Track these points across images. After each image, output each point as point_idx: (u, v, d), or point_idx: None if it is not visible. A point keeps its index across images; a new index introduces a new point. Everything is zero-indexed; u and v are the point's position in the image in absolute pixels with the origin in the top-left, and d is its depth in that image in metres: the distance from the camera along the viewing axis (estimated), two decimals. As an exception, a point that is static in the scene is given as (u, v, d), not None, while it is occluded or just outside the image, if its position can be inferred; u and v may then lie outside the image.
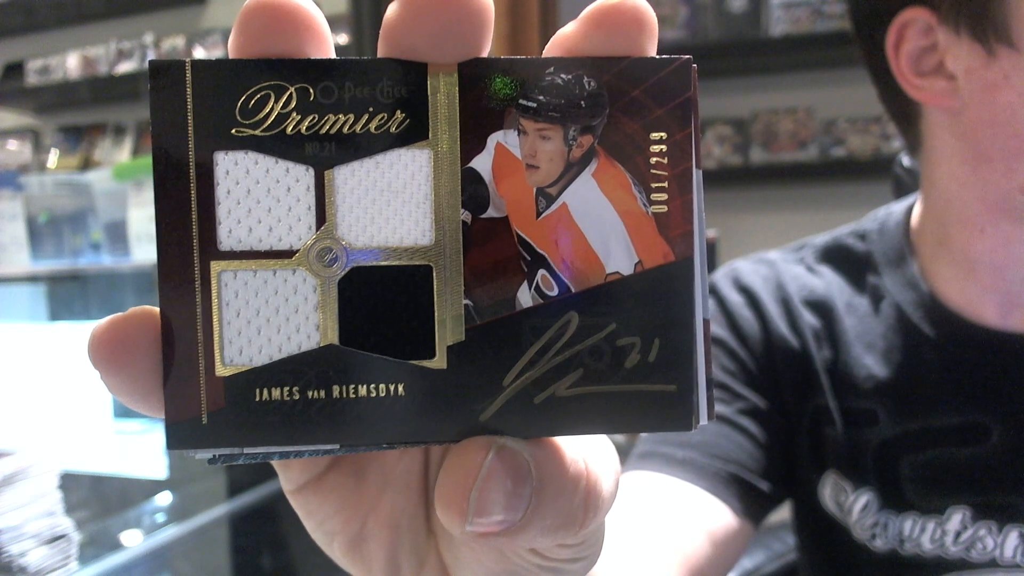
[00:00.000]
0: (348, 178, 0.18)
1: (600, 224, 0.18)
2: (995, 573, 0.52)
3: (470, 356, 0.18)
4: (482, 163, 0.18)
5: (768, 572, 0.89)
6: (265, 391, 0.18)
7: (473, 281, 0.18)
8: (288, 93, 0.18)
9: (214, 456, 0.19)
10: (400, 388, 0.18)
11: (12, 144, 3.03)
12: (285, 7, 0.18)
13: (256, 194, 0.18)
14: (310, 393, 0.18)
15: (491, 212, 0.18)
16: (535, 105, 0.18)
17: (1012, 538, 0.52)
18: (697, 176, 0.19)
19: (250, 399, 0.18)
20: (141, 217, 1.26)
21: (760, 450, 0.58)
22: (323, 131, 0.18)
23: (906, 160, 0.89)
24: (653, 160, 0.19)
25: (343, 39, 2.36)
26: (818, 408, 0.59)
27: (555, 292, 0.18)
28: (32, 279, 1.40)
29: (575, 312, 0.18)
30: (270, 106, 0.18)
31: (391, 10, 0.18)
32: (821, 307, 0.61)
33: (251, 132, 0.18)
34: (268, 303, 0.18)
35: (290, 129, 0.18)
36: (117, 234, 1.30)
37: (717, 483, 0.55)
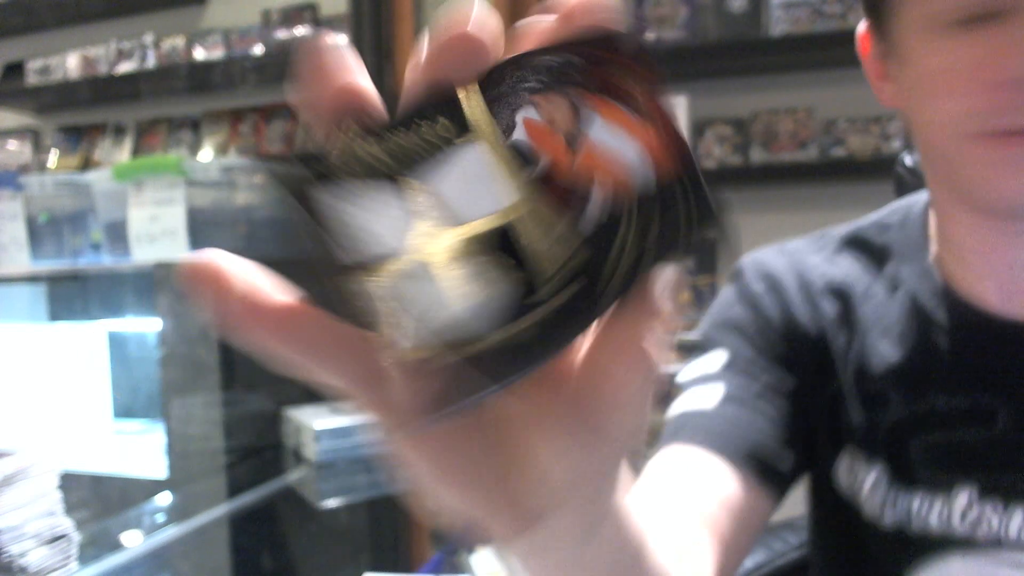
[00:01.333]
0: (436, 181, 0.23)
1: (621, 148, 0.24)
2: (1000, 552, 0.53)
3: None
4: (520, 136, 0.24)
5: (768, 572, 0.89)
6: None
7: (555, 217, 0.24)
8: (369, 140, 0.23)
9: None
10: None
11: (12, 144, 3.03)
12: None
13: (362, 216, 0.23)
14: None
15: (542, 167, 0.24)
16: (540, 85, 0.24)
17: (1017, 517, 0.52)
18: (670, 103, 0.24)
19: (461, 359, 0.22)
20: (141, 217, 1.25)
21: (781, 428, 0.60)
22: (401, 154, 0.23)
23: (908, 159, 0.89)
24: (639, 98, 0.24)
25: (343, 39, 2.37)
26: (836, 391, 0.62)
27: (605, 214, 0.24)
28: (32, 279, 1.39)
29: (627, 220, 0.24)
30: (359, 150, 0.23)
31: (421, 52, 0.24)
32: (840, 294, 0.64)
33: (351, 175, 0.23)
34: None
35: (376, 163, 0.23)
36: (117, 234, 1.30)
37: (740, 459, 0.57)
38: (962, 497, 0.55)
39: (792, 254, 0.68)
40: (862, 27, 0.61)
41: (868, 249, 0.65)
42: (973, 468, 0.55)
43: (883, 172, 0.99)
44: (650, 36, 2.00)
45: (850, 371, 0.61)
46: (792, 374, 0.62)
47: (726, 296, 0.68)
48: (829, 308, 0.63)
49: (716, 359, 0.64)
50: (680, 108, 1.99)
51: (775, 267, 0.66)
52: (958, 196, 0.57)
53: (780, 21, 1.89)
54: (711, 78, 2.06)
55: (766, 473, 0.57)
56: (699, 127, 2.01)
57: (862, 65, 0.62)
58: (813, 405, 0.62)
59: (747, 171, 1.97)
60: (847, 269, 0.65)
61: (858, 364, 0.61)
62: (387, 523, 1.06)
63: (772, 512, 0.59)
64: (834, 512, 0.62)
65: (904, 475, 0.57)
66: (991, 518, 0.53)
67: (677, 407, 0.62)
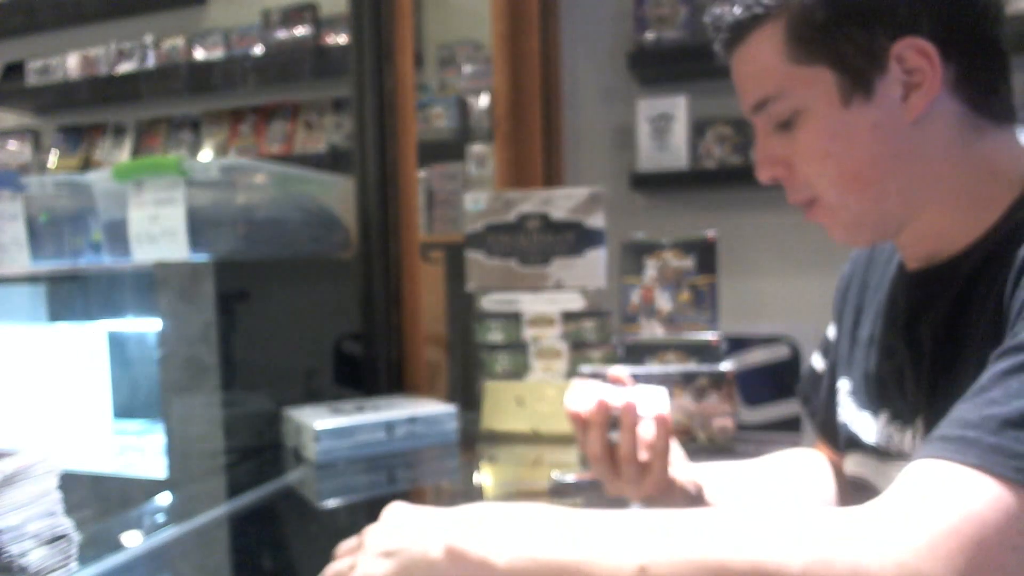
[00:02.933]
0: None
1: None
2: (901, 460, 0.67)
3: None
4: None
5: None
6: None
7: None
8: None
9: None
10: None
11: (12, 144, 3.03)
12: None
13: None
14: None
15: None
16: None
17: (908, 436, 0.68)
18: None
19: None
20: (141, 217, 1.26)
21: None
22: None
23: None
24: None
25: (343, 39, 2.37)
26: (838, 335, 0.84)
27: None
28: (32, 279, 1.40)
29: None
30: None
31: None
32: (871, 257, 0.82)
33: None
34: None
35: None
36: (117, 234, 1.30)
37: (837, 441, 0.83)
38: (882, 418, 0.72)
39: None
40: None
41: None
42: (887, 396, 0.72)
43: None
44: (650, 36, 2.00)
45: (851, 317, 0.81)
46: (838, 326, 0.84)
47: (846, 277, 0.85)
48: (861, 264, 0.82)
49: (832, 327, 0.86)
50: (680, 108, 1.99)
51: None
52: None
53: (780, 21, 1.89)
54: (711, 78, 2.06)
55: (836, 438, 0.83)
56: (699, 127, 2.01)
57: None
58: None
59: (747, 171, 1.97)
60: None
61: (856, 312, 0.80)
62: (387, 523, 1.06)
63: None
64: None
65: (855, 393, 0.77)
66: (895, 435, 0.70)
67: (814, 359, 0.90)
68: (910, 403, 0.68)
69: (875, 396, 0.74)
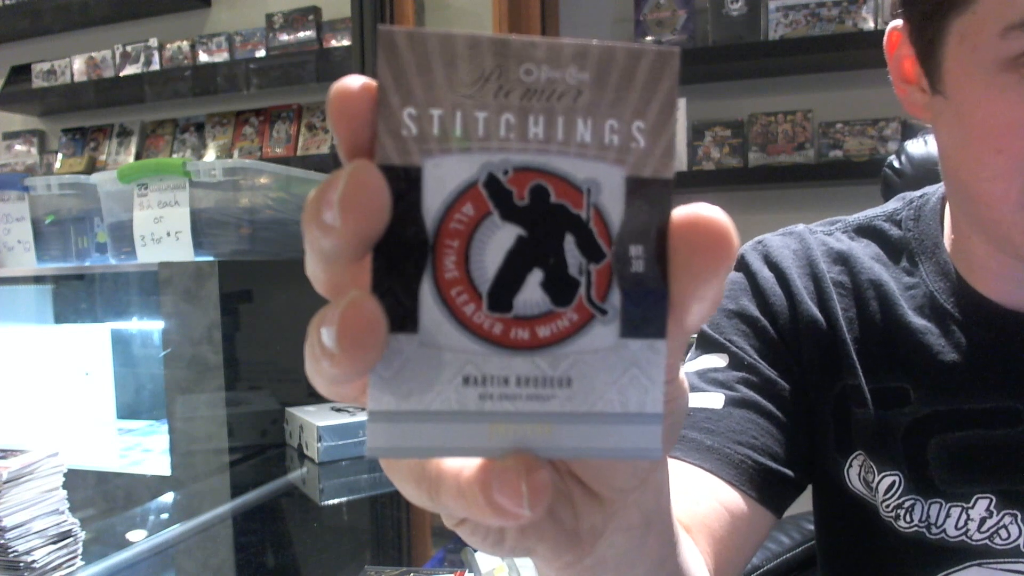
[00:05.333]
0: None
1: None
2: (1018, 562, 0.51)
3: None
4: None
5: (768, 570, 0.89)
6: None
7: None
8: None
9: None
10: None
11: (18, 146, 3.04)
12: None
13: None
14: None
15: None
16: None
17: None
18: None
19: None
20: (145, 218, 1.27)
21: (785, 435, 0.57)
22: None
23: (896, 161, 0.90)
24: None
25: (346, 42, 2.38)
26: (845, 388, 0.58)
27: None
28: (38, 280, 1.41)
29: None
30: None
31: None
32: (851, 270, 0.61)
33: None
34: None
35: None
36: (122, 235, 1.31)
37: (741, 473, 0.54)
38: (981, 506, 0.53)
39: (799, 239, 0.64)
40: (895, 25, 0.55)
41: (882, 240, 0.62)
42: (993, 474, 0.53)
43: (879, 174, 1.00)
44: (650, 40, 2.01)
45: (863, 366, 0.58)
46: (798, 372, 0.59)
47: (733, 285, 0.63)
48: (839, 298, 0.60)
49: (722, 354, 0.60)
50: (679, 111, 2.00)
51: (782, 255, 0.62)
52: (985, 236, 0.54)
53: (778, 24, 1.90)
54: (710, 81, 2.07)
55: (771, 484, 0.55)
56: (698, 130, 2.02)
57: (887, 62, 0.56)
58: (820, 403, 0.59)
59: (745, 173, 1.98)
60: (861, 252, 0.62)
61: (872, 358, 0.58)
62: (389, 520, 1.07)
63: (773, 524, 0.57)
64: (848, 515, 0.60)
65: (921, 482, 0.55)
66: (1010, 527, 0.52)
67: (698, 398, 0.58)
68: None
69: (965, 474, 0.54)
